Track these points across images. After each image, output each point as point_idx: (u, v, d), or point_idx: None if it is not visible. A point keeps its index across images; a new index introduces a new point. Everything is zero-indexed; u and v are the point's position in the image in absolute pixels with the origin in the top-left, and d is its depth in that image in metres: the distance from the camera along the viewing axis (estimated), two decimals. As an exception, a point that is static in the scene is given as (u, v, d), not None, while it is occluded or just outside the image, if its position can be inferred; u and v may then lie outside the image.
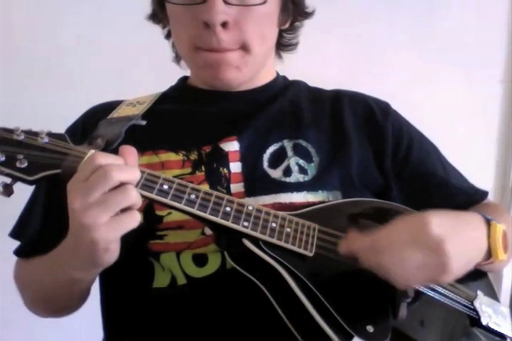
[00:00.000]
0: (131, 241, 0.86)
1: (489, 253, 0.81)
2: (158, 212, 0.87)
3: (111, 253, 0.72)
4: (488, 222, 0.83)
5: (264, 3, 0.88)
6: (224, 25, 0.87)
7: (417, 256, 0.72)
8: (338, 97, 1.04)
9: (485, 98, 1.79)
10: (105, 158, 0.71)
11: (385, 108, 1.04)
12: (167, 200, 0.74)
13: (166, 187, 0.75)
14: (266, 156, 0.93)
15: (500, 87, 1.80)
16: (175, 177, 0.87)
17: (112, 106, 1.01)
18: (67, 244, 0.77)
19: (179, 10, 0.91)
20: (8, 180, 0.73)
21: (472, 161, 1.74)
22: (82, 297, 0.96)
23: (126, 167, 0.72)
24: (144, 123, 0.94)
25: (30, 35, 1.65)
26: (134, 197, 0.70)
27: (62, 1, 1.65)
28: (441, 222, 0.74)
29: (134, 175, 0.72)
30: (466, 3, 1.74)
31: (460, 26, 1.74)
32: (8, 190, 0.73)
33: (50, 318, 1.03)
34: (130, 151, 0.75)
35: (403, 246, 0.73)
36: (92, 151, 0.76)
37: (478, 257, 0.81)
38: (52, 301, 0.95)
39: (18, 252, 0.98)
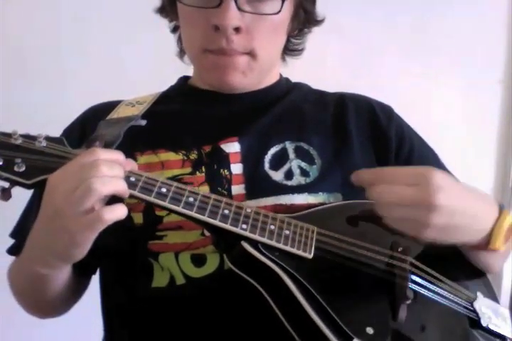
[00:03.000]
0: (131, 241, 0.87)
1: (488, 239, 0.80)
2: (158, 213, 0.86)
3: (82, 248, 0.72)
4: (500, 208, 0.82)
5: (278, 13, 0.88)
6: (236, 30, 0.87)
7: (408, 193, 0.72)
8: (342, 100, 1.03)
9: (485, 98, 1.79)
10: (105, 154, 0.72)
11: (388, 112, 1.04)
12: (165, 203, 0.74)
13: (164, 190, 0.75)
14: (267, 158, 0.92)
15: (500, 87, 1.80)
16: (175, 177, 0.88)
17: (111, 106, 1.01)
18: (37, 235, 0.77)
19: (191, 11, 0.90)
20: (6, 184, 0.73)
21: (472, 161, 1.74)
22: (65, 297, 0.95)
23: (114, 163, 0.71)
24: (144, 123, 0.93)
25: (29, 35, 1.65)
26: (120, 185, 0.70)
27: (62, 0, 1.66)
28: (446, 178, 0.75)
29: (119, 170, 0.71)
30: (466, 3, 1.74)
31: (460, 26, 1.74)
32: (6, 194, 0.73)
33: (44, 319, 1.03)
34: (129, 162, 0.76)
35: (401, 180, 0.74)
36: None
37: (473, 236, 0.79)
38: (33, 299, 0.95)
39: (10, 250, 0.98)
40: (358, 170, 0.78)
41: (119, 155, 0.74)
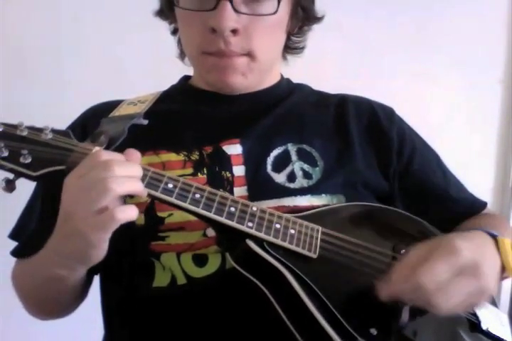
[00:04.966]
0: (133, 242, 0.86)
1: (503, 267, 0.80)
2: (160, 214, 0.86)
3: (98, 249, 0.72)
4: (494, 238, 0.82)
5: (274, 13, 0.88)
6: (233, 31, 0.87)
7: (462, 286, 0.72)
8: (343, 102, 1.03)
9: (485, 98, 1.79)
10: (108, 155, 0.71)
11: (389, 114, 1.04)
12: (172, 199, 0.74)
13: (170, 185, 0.74)
14: (270, 160, 0.92)
15: (500, 87, 1.80)
16: None
17: (112, 105, 1.00)
18: (53, 240, 0.77)
19: (188, 14, 0.90)
20: (11, 176, 0.72)
21: (472, 161, 1.75)
22: (74, 298, 0.95)
23: (128, 163, 0.72)
24: (145, 122, 0.93)
25: (29, 35, 1.65)
26: (135, 187, 0.70)
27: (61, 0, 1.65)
28: (468, 246, 0.74)
29: (136, 170, 0.71)
30: (466, 3, 1.74)
31: (460, 26, 1.74)
32: (10, 186, 0.72)
33: (46, 320, 1.02)
34: (136, 155, 0.75)
35: (447, 282, 0.72)
36: (97, 148, 0.75)
37: (499, 273, 0.80)
38: (42, 301, 0.95)
39: (14, 252, 0.98)
40: (382, 285, 0.75)
41: (121, 157, 0.73)
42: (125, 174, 0.69)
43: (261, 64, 0.93)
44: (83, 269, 0.81)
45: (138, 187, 0.71)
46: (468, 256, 0.73)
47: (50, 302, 0.95)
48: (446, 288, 0.71)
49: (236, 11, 0.86)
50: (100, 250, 0.73)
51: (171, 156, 0.92)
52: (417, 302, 0.74)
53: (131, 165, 0.72)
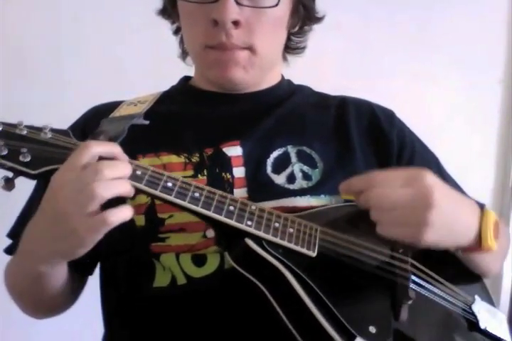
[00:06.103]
0: (132, 242, 0.86)
1: (479, 240, 0.80)
2: (160, 215, 0.86)
3: (87, 248, 0.72)
4: (481, 208, 0.83)
5: (275, 6, 0.88)
6: (235, 23, 0.87)
7: (404, 194, 0.73)
8: (344, 104, 1.03)
9: (485, 98, 1.79)
10: (98, 146, 0.71)
11: (389, 116, 1.04)
12: (171, 197, 0.74)
13: (170, 184, 0.74)
14: (269, 161, 0.92)
15: (500, 87, 1.81)
16: None
17: (113, 106, 1.00)
18: (37, 238, 0.76)
19: (190, 7, 0.91)
20: (11, 174, 0.73)
21: (472, 162, 1.75)
22: (61, 296, 0.94)
23: (116, 163, 0.71)
24: (147, 122, 0.93)
25: (29, 35, 1.65)
26: (123, 186, 0.70)
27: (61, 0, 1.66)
28: (437, 178, 0.76)
29: (124, 170, 0.71)
30: (466, 3, 1.74)
31: (460, 26, 1.74)
32: (9, 185, 0.72)
33: (41, 319, 1.02)
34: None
35: (395, 183, 0.74)
36: None
37: (465, 236, 0.80)
38: (30, 297, 0.94)
39: (7, 250, 0.97)
40: (345, 181, 0.79)
41: (113, 147, 0.73)
42: (113, 176, 0.69)
43: (262, 59, 0.93)
44: (62, 265, 0.81)
45: (125, 190, 0.70)
46: (429, 182, 0.74)
47: (39, 299, 0.94)
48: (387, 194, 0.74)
49: (238, 3, 0.86)
50: (88, 248, 0.72)
51: (172, 158, 0.92)
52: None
53: (120, 166, 0.71)
